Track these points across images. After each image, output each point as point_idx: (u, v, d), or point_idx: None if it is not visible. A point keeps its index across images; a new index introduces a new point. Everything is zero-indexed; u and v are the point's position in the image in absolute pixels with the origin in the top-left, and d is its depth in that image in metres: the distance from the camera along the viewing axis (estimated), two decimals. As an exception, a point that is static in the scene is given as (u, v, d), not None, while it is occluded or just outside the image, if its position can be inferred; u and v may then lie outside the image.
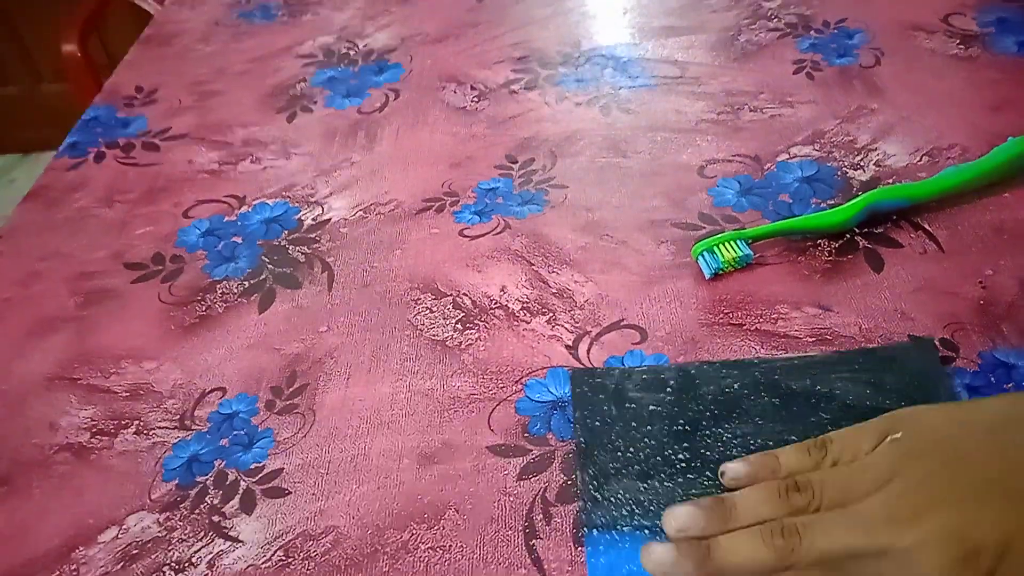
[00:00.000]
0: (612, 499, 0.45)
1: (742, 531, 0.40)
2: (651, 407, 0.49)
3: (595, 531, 0.44)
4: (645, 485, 0.45)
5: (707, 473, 0.45)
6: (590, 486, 0.46)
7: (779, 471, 0.43)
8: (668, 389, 0.50)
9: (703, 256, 0.56)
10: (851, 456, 0.42)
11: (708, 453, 0.46)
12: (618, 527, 0.44)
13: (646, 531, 0.43)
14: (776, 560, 0.38)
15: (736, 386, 0.49)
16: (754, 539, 0.39)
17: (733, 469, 0.44)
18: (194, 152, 0.76)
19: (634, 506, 0.44)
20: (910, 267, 0.56)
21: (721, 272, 0.56)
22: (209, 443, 0.51)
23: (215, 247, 0.65)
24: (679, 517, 0.41)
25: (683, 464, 0.46)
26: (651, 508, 0.44)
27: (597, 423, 0.48)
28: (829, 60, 0.75)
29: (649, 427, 0.48)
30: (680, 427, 0.48)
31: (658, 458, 0.46)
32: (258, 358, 0.56)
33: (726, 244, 0.56)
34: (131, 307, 0.62)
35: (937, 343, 0.50)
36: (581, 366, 0.52)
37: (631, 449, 0.47)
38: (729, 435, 0.47)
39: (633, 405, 0.49)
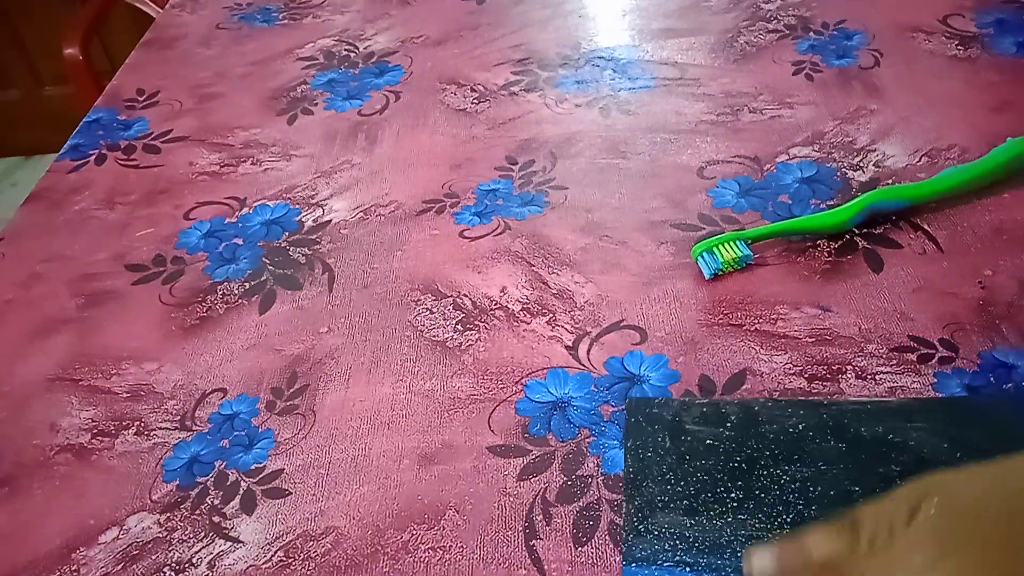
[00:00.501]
0: (656, 532, 0.43)
1: None
2: (708, 441, 0.47)
3: (634, 565, 0.42)
4: (692, 521, 0.43)
5: (759, 515, 0.43)
6: (634, 518, 0.44)
7: (811, 561, 0.39)
8: (728, 424, 0.48)
9: (703, 257, 0.56)
10: (886, 534, 0.38)
11: (763, 495, 0.44)
12: (659, 562, 0.42)
13: (687, 568, 0.42)
14: None
15: (801, 427, 0.47)
16: None
17: (760, 563, 0.40)
18: (195, 154, 0.76)
19: (677, 541, 0.43)
20: (909, 267, 0.56)
21: (721, 273, 0.57)
22: (210, 444, 0.52)
23: (216, 249, 0.65)
24: None
25: (735, 503, 0.44)
26: (695, 544, 0.43)
27: (649, 454, 0.47)
28: (828, 61, 0.75)
29: (703, 462, 0.46)
30: (736, 464, 0.46)
31: (709, 494, 0.45)
32: (259, 359, 0.56)
33: (725, 244, 0.56)
34: (132, 308, 0.62)
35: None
36: (581, 367, 0.52)
37: (682, 483, 0.45)
38: (788, 478, 0.45)
39: (689, 438, 0.47)
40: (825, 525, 0.39)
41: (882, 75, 0.73)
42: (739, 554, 0.41)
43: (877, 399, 0.48)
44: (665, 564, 0.42)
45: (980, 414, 0.47)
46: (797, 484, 0.44)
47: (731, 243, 0.56)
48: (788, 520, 0.43)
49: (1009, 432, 0.45)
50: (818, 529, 0.39)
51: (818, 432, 0.46)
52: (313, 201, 0.69)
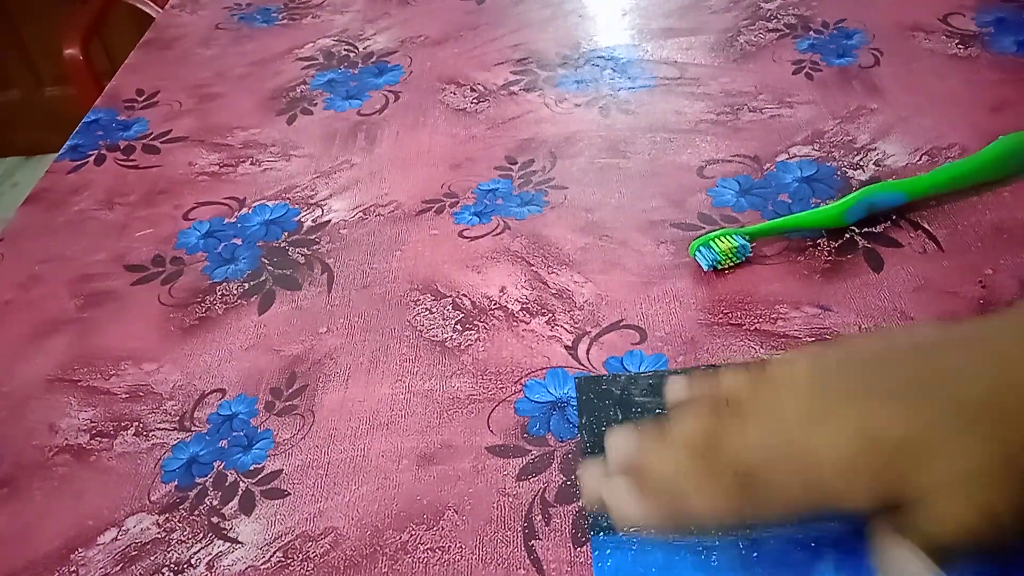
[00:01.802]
0: None
1: (671, 448, 0.41)
2: (657, 411, 0.49)
3: (601, 534, 0.44)
4: None
5: None
6: None
7: (717, 387, 0.44)
8: None
9: (700, 251, 0.56)
10: (787, 377, 0.42)
11: None
12: (624, 529, 0.43)
13: (652, 532, 0.43)
14: (699, 469, 0.39)
15: None
16: (679, 454, 0.40)
17: (674, 387, 0.45)
18: (194, 154, 0.76)
19: None
20: (910, 266, 0.56)
21: (719, 265, 0.56)
22: (208, 444, 0.51)
23: (215, 249, 0.65)
24: (619, 446, 0.42)
25: None
26: None
27: (603, 428, 0.48)
28: (828, 60, 0.75)
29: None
30: None
31: None
32: (257, 359, 0.56)
33: (722, 236, 0.56)
34: (131, 309, 0.62)
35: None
36: (580, 367, 0.52)
37: None
38: None
39: (639, 409, 0.49)
40: (737, 366, 0.44)
41: (882, 74, 0.73)
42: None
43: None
44: (631, 530, 0.43)
45: None
46: None
47: (727, 235, 0.56)
48: None
49: None
50: (731, 368, 0.44)
51: None
52: (312, 201, 0.69)
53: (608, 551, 0.43)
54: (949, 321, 0.48)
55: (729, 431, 0.40)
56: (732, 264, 0.57)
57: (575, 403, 0.50)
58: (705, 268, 0.56)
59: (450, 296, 0.59)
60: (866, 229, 0.58)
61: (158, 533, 0.47)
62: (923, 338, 0.42)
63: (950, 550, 0.36)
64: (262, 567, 0.45)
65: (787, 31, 0.80)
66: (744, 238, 0.56)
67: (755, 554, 0.42)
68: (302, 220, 0.67)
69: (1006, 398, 0.36)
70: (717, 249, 0.56)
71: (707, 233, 0.59)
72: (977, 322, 0.46)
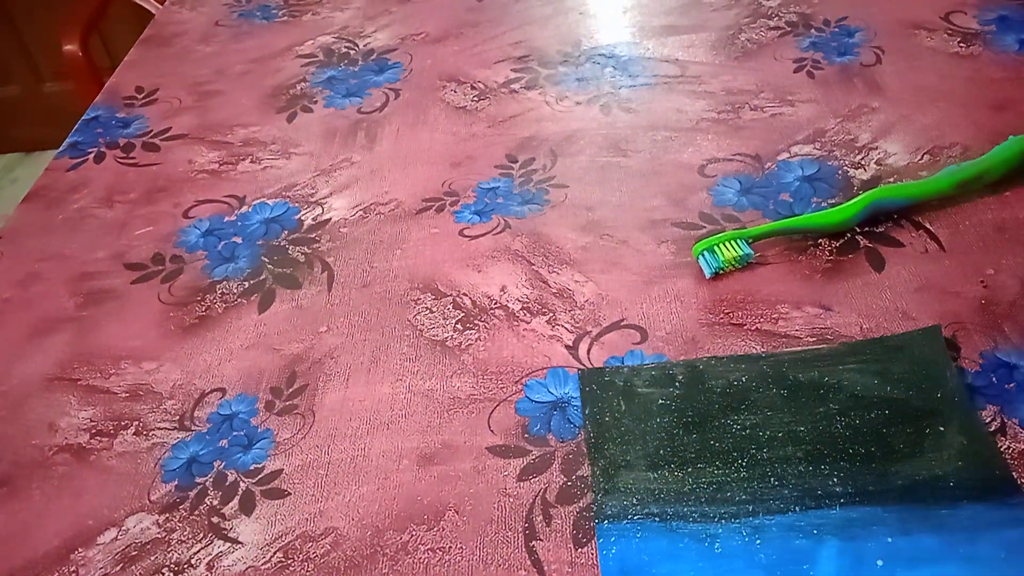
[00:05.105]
0: (622, 490, 0.45)
1: None
2: (660, 401, 0.49)
3: (606, 522, 0.44)
4: (655, 475, 0.46)
5: (716, 463, 0.46)
6: (600, 478, 0.46)
7: None
8: (676, 383, 0.50)
9: (703, 255, 0.56)
10: None
11: (716, 444, 0.47)
12: (629, 516, 0.44)
13: (656, 519, 0.44)
14: None
15: (744, 379, 0.50)
16: None
17: None
18: (194, 152, 0.76)
19: (644, 495, 0.45)
20: (911, 266, 0.55)
21: (722, 271, 0.56)
22: (208, 444, 0.51)
23: (215, 247, 0.65)
24: None
25: (692, 455, 0.46)
26: (661, 496, 0.45)
27: (607, 418, 0.49)
28: (830, 59, 0.75)
29: (658, 420, 0.48)
30: (689, 419, 0.48)
31: (667, 449, 0.47)
32: (258, 359, 0.56)
33: (727, 243, 0.56)
34: (131, 307, 0.61)
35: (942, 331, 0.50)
36: (581, 366, 0.52)
37: (640, 442, 0.47)
38: (737, 426, 0.47)
39: (642, 400, 0.49)
40: None
41: (884, 72, 0.72)
42: (702, 500, 0.44)
43: (810, 347, 0.51)
44: (635, 517, 0.44)
45: (898, 349, 0.50)
46: (747, 431, 0.47)
47: (732, 242, 0.56)
48: (744, 463, 0.46)
49: (924, 360, 0.49)
50: None
51: (760, 382, 0.50)
52: (312, 199, 0.68)
53: (612, 539, 0.43)
54: None
55: None
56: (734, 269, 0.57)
57: (576, 402, 0.50)
58: (708, 275, 0.56)
59: (450, 295, 0.58)
60: (867, 229, 0.58)
61: (158, 533, 0.47)
62: None
63: None
64: (262, 567, 0.45)
65: (788, 29, 0.80)
66: (748, 243, 0.56)
67: (758, 541, 0.42)
68: (302, 218, 0.67)
69: None
70: (722, 257, 0.56)
71: (710, 235, 0.58)
72: None
